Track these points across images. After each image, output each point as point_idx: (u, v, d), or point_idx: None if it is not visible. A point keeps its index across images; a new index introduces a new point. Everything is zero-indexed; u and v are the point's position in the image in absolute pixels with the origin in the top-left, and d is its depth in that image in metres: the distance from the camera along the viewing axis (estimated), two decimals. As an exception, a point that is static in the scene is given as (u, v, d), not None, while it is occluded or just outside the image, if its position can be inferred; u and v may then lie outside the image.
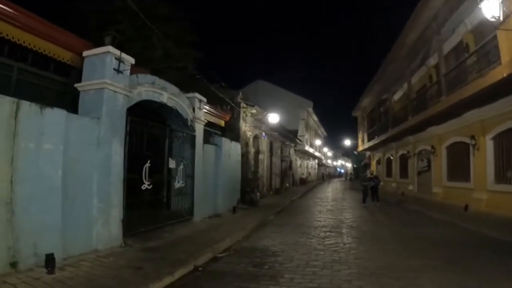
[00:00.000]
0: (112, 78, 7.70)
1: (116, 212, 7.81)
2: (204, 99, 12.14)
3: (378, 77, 26.96)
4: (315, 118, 50.81)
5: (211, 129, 15.29)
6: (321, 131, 61.94)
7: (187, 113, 11.08)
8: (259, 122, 20.37)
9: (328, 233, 10.29)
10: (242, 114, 17.14)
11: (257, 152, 22.35)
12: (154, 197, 9.43)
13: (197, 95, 11.68)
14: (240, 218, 12.82)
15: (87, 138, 7.24)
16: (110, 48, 7.70)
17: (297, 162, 42.52)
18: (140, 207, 8.91)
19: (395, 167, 28.22)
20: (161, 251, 7.65)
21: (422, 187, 21.86)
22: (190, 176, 11.15)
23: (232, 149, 14.92)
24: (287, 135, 30.60)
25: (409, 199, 20.66)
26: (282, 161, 30.93)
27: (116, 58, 7.81)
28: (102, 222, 7.43)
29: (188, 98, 11.30)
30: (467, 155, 15.86)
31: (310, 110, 44.59)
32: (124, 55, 8.00)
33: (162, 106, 9.88)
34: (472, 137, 14.77)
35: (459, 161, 16.87)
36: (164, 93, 9.80)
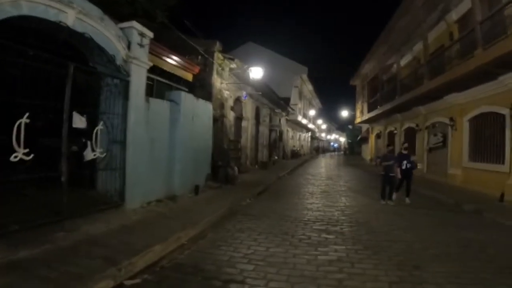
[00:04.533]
0: None
1: None
2: (150, 34, 8.30)
3: (384, 37, 23.17)
4: (310, 87, 46.87)
5: (174, 84, 11.62)
6: (316, 101, 58.04)
7: (116, 49, 7.31)
8: (243, 82, 16.57)
9: (323, 236, 6.70)
10: (216, 67, 13.28)
11: (240, 118, 18.67)
12: (40, 174, 5.77)
13: (135, 24, 7.81)
14: (202, 204, 9.24)
15: None
16: None
17: (289, 133, 38.94)
18: (17, 191, 5.37)
19: (399, 142, 24.63)
20: (20, 273, 4.18)
21: (433, 166, 18.32)
22: (118, 143, 7.44)
23: (198, 109, 11.14)
24: (278, 102, 26.79)
25: (421, 182, 17.10)
26: (270, 130, 27.24)
27: None
28: None
29: (120, 29, 7.55)
30: (500, 130, 12.29)
31: (305, 77, 40.61)
32: None
33: (63, 31, 6.11)
34: (513, 107, 11.15)
35: (488, 137, 13.23)
36: (69, 10, 6.08)
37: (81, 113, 6.46)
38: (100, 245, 5.38)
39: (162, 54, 10.11)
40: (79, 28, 6.44)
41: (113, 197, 7.50)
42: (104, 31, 6.97)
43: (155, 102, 8.98)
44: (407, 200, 10.83)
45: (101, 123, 7.00)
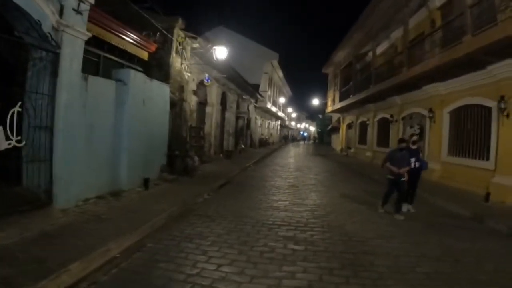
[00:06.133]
0: None
1: None
2: (90, -1, 6.92)
3: (360, 23, 22.25)
4: (280, 74, 45.75)
5: (126, 62, 10.20)
6: (286, 89, 57.10)
7: (43, 13, 5.89)
8: (207, 64, 15.25)
9: (290, 247, 5.60)
10: (176, 46, 11.87)
11: (203, 104, 17.37)
12: None
13: (69, -15, 6.42)
14: (149, 201, 7.97)
15: None
16: None
17: (257, 121, 37.81)
18: None
19: (372, 133, 23.88)
20: None
21: (407, 159, 17.61)
22: (44, 128, 6.08)
23: (152, 91, 9.81)
24: (246, 87, 25.57)
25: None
26: (238, 117, 26.03)
27: None
28: None
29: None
30: (486, 124, 11.47)
31: (275, 63, 39.42)
32: None
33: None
34: (502, 99, 10.27)
35: (471, 131, 12.43)
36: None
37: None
38: (4, 262, 4.13)
39: (110, 26, 8.68)
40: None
41: (39, 194, 6.18)
42: (25, -10, 5.58)
43: (96, 81, 7.62)
44: (411, 208, 8.63)
45: (19, 104, 5.63)
